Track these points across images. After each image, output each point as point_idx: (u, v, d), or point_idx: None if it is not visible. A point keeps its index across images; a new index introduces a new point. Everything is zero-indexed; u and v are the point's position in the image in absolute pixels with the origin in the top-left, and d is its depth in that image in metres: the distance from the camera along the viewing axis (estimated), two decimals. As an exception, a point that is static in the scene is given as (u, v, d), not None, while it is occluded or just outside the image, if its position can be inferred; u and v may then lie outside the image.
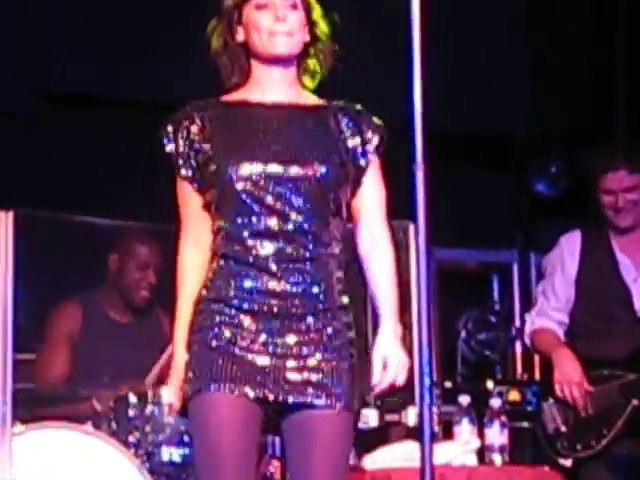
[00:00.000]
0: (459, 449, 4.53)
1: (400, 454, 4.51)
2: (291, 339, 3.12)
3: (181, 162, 3.20)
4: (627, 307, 4.99)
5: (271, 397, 3.05)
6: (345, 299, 3.19)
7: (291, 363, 3.09)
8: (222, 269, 3.15)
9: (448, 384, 5.69)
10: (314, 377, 3.13)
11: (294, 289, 3.09)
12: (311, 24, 3.22)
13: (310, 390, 3.11)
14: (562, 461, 4.92)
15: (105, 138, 5.71)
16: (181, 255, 3.24)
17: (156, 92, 6.08)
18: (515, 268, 6.76)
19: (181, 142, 3.21)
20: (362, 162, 3.23)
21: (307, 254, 3.12)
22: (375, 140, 3.24)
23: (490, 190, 6.62)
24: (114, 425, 4.96)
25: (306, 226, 3.11)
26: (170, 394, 3.33)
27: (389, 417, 4.89)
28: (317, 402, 3.10)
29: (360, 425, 4.73)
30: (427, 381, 2.91)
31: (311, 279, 3.11)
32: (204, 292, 3.14)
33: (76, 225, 5.39)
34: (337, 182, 3.18)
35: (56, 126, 5.92)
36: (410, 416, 4.77)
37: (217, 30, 3.24)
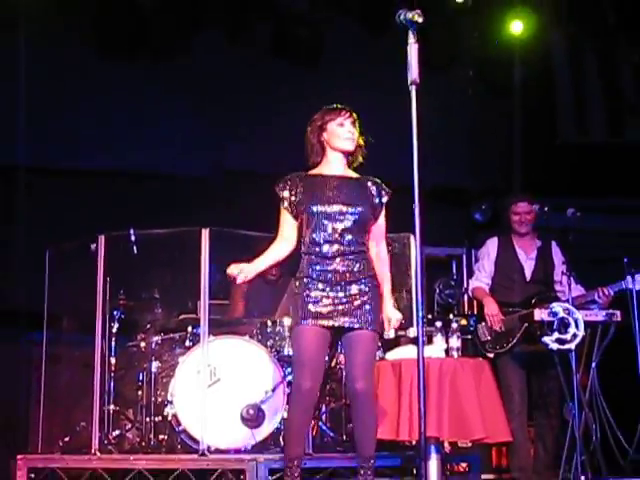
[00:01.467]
0: (436, 350, 6.43)
1: (406, 352, 6.49)
2: (345, 294, 5.13)
3: (286, 200, 5.22)
4: (522, 275, 7.13)
5: (336, 324, 5.07)
6: (372, 272, 5.19)
7: (346, 306, 5.10)
8: (308, 261, 5.19)
9: (429, 316, 7.89)
10: (358, 313, 5.12)
11: (347, 268, 5.14)
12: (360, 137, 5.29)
13: (356, 320, 5.10)
14: (488, 355, 6.97)
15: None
16: (273, 247, 5.24)
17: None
18: (464, 257, 9.00)
19: (289, 190, 5.24)
20: (378, 209, 5.28)
21: (354, 249, 5.15)
22: (385, 198, 5.30)
23: (453, 218, 9.39)
24: (260, 337, 7.31)
25: (354, 238, 5.16)
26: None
27: (400, 332, 6.97)
28: (358, 326, 5.10)
29: (385, 336, 6.51)
30: (420, 314, 4.36)
31: (355, 262, 5.17)
32: (299, 273, 5.20)
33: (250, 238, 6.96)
34: (368, 217, 5.22)
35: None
36: (411, 332, 6.96)
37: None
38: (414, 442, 6.47)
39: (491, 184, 9.48)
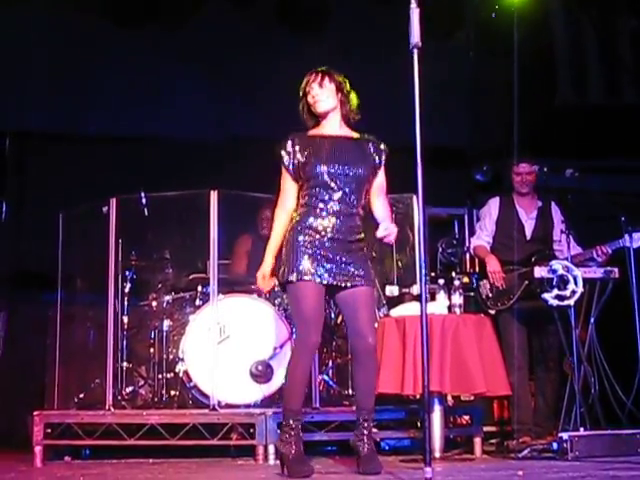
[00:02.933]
0: (438, 307, 6.58)
1: (410, 309, 6.69)
2: (340, 252, 5.21)
3: (289, 161, 5.30)
4: (522, 233, 7.21)
5: (332, 282, 5.17)
6: (362, 235, 5.35)
7: (345, 265, 5.21)
8: (306, 212, 5.24)
9: (432, 274, 7.94)
10: (357, 270, 5.24)
11: (345, 225, 5.23)
12: (340, 92, 5.33)
13: (356, 278, 5.23)
14: (490, 311, 7.07)
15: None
16: (278, 212, 5.34)
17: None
18: (466, 217, 8.99)
19: (293, 150, 5.31)
20: (377, 169, 5.40)
21: (352, 210, 5.26)
22: (383, 156, 5.42)
23: (454, 180, 9.48)
24: (268, 295, 7.34)
25: (352, 197, 5.26)
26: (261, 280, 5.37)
27: (404, 290, 7.22)
28: (359, 283, 5.23)
29: (387, 294, 7.27)
30: (423, 273, 4.66)
31: (353, 218, 5.28)
32: (296, 223, 5.22)
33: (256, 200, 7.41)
34: (366, 177, 5.34)
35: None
36: (414, 289, 7.09)
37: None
38: (418, 396, 6.64)
39: (492, 145, 9.51)
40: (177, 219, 7.59)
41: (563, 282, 6.30)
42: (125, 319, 7.76)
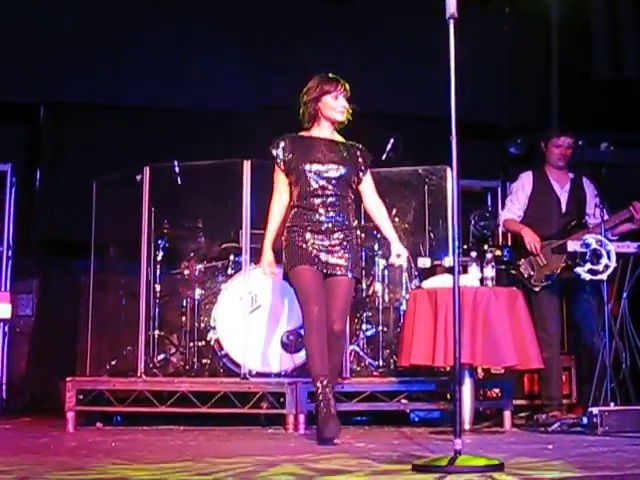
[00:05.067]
0: (471, 279, 6.58)
1: (441, 281, 6.62)
2: (329, 242, 5.75)
3: (280, 160, 5.86)
4: (558, 206, 7.19)
5: (321, 270, 5.70)
6: (355, 222, 5.88)
7: (330, 255, 5.74)
8: (297, 212, 5.80)
9: (465, 247, 7.81)
10: (340, 261, 5.75)
11: (331, 219, 5.77)
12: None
13: (338, 267, 5.74)
14: (535, 289, 7.03)
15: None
16: (273, 204, 5.90)
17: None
18: (499, 190, 9.14)
19: (283, 149, 5.86)
20: (363, 171, 5.95)
21: (338, 203, 5.79)
22: (368, 160, 5.97)
23: (487, 152, 9.52)
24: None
25: (339, 194, 5.79)
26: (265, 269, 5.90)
27: (436, 262, 7.29)
28: (339, 273, 5.74)
29: (419, 265, 7.36)
30: (456, 245, 4.48)
31: (339, 214, 5.79)
32: (291, 223, 5.79)
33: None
34: (351, 176, 5.86)
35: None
36: (446, 261, 7.07)
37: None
38: (448, 368, 6.70)
39: (526, 118, 9.46)
40: (210, 188, 7.59)
41: (596, 256, 6.26)
42: (157, 287, 7.82)
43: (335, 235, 5.79)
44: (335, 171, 5.81)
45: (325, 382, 5.60)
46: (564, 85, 8.86)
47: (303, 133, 5.96)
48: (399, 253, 5.88)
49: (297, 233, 5.79)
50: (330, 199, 5.80)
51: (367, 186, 6.01)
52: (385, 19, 9.13)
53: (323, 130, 5.91)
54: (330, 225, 5.78)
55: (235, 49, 9.51)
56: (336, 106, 5.82)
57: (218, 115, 9.35)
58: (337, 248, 5.78)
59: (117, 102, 9.38)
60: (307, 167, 5.78)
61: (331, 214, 5.79)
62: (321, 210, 5.78)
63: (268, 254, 5.87)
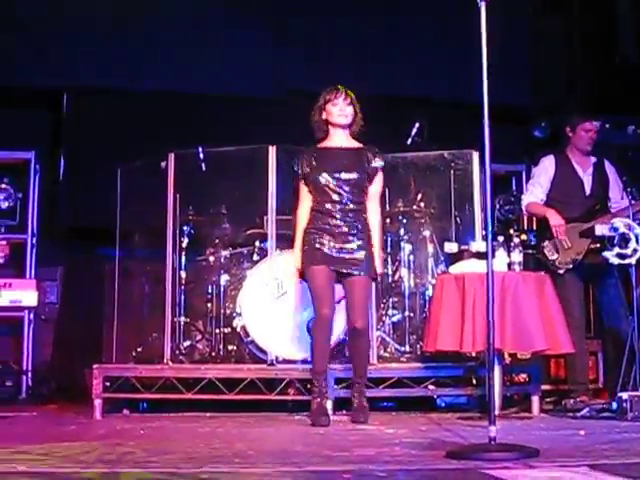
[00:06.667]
0: (498, 264, 6.40)
1: (469, 266, 6.64)
2: (345, 245, 6.12)
3: (300, 173, 6.26)
4: (581, 189, 7.12)
5: (338, 270, 6.09)
6: (368, 229, 6.19)
7: (346, 255, 6.11)
8: (315, 216, 6.18)
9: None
10: (356, 262, 6.10)
11: (346, 222, 6.15)
12: (355, 112, 6.23)
13: (354, 267, 6.10)
14: (559, 271, 6.96)
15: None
16: (298, 212, 6.24)
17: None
18: (524, 174, 8.95)
19: (301, 164, 6.25)
20: (373, 173, 6.23)
21: (352, 207, 6.16)
22: (379, 163, 6.27)
23: (511, 136, 9.28)
24: None
25: (351, 199, 6.16)
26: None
27: (463, 247, 7.10)
28: (356, 272, 6.10)
29: (446, 251, 7.27)
30: (489, 229, 4.55)
31: (353, 218, 6.17)
32: (309, 225, 6.16)
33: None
34: (363, 180, 6.21)
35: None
36: (473, 246, 6.94)
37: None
38: (475, 354, 6.68)
39: (551, 101, 9.45)
40: (235, 174, 7.52)
41: (625, 240, 6.24)
42: (183, 274, 7.81)
43: (350, 238, 6.15)
44: (348, 178, 6.18)
45: (323, 379, 6.15)
46: (589, 68, 8.77)
47: (320, 145, 6.36)
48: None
49: (315, 235, 6.16)
50: (345, 204, 6.18)
51: (372, 190, 6.32)
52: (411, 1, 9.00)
53: (336, 138, 6.32)
54: (346, 229, 6.15)
55: (255, 32, 9.49)
56: (336, 111, 6.22)
57: (240, 100, 9.35)
58: (353, 250, 6.13)
59: (140, 88, 9.40)
60: (322, 177, 6.18)
61: (346, 218, 6.16)
62: (337, 215, 6.16)
63: (297, 261, 6.25)
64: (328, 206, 6.18)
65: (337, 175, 6.19)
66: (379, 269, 6.31)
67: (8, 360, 8.57)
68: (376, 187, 6.33)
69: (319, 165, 6.24)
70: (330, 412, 6.36)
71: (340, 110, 6.23)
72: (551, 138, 9.06)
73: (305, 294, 6.94)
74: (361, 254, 6.14)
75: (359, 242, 6.16)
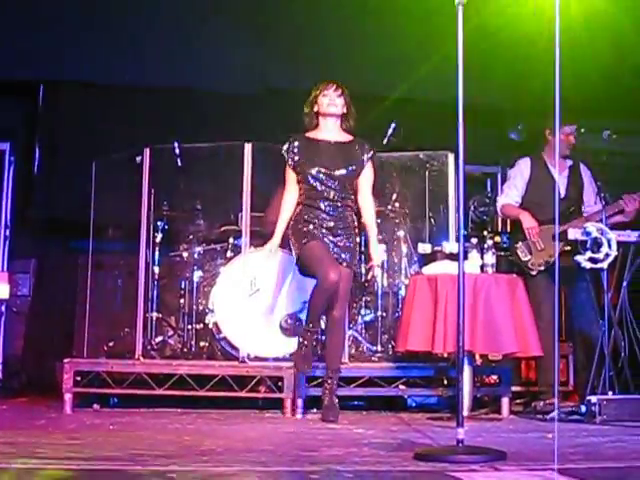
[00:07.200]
0: (471, 265, 6.55)
1: (442, 267, 6.70)
2: (332, 237, 6.19)
3: (289, 159, 6.28)
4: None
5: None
6: (355, 222, 6.31)
7: (333, 247, 6.18)
8: (303, 209, 6.22)
9: (464, 232, 6.89)
10: (342, 254, 6.18)
11: (334, 217, 6.21)
12: (347, 106, 6.32)
13: (341, 258, 6.17)
14: (531, 273, 7.02)
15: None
16: (285, 197, 6.28)
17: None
18: (499, 176, 8.88)
19: (291, 149, 6.28)
20: (363, 166, 6.30)
21: (339, 204, 6.23)
22: (369, 155, 6.32)
23: (488, 137, 9.41)
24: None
25: (339, 193, 6.23)
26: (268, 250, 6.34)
27: (436, 247, 7.14)
28: (343, 264, 6.14)
29: (420, 251, 7.29)
30: (462, 232, 4.52)
31: (340, 212, 6.24)
32: (298, 217, 6.20)
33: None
34: (352, 175, 6.27)
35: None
36: (446, 247, 6.96)
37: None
38: (446, 354, 6.69)
39: (528, 104, 9.32)
40: (210, 170, 7.56)
41: (597, 244, 6.20)
42: (156, 269, 7.82)
43: (337, 231, 6.21)
44: (337, 172, 6.23)
45: (314, 330, 6.24)
46: (565, 71, 8.74)
47: (310, 134, 6.37)
48: (374, 257, 6.35)
49: (303, 225, 6.21)
50: (333, 198, 6.22)
51: (363, 180, 6.36)
52: (389, 1, 8.98)
53: (325, 129, 6.35)
54: (332, 223, 6.20)
55: (237, 31, 9.46)
56: (325, 101, 6.27)
57: (219, 97, 9.31)
58: (339, 243, 6.19)
59: (117, 82, 9.34)
60: (311, 170, 6.21)
61: (334, 213, 6.22)
62: (324, 208, 6.20)
63: (277, 239, 6.32)
64: (316, 201, 6.22)
65: (326, 171, 6.23)
66: (377, 260, 6.43)
67: (-21, 353, 8.48)
68: (367, 179, 6.37)
69: (309, 158, 6.28)
70: (300, 410, 6.47)
71: (330, 100, 6.28)
72: (527, 141, 9.15)
73: (278, 292, 7.13)
74: (347, 248, 6.21)
75: (346, 237, 6.23)
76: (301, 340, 6.24)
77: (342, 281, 6.08)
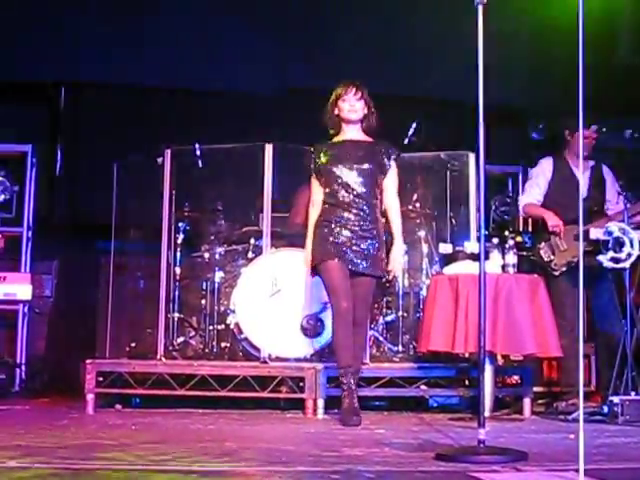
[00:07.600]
0: (492, 265, 6.54)
1: (463, 267, 6.70)
2: (355, 238, 6.12)
3: (313, 166, 6.31)
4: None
5: (350, 267, 6.07)
6: (381, 224, 6.25)
7: (357, 253, 6.12)
8: (326, 209, 6.21)
9: (486, 232, 6.90)
10: (366, 260, 6.12)
11: (357, 215, 6.15)
12: (368, 107, 6.29)
13: (364, 263, 6.12)
14: (554, 273, 6.98)
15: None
16: (311, 214, 6.27)
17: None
18: (520, 175, 8.96)
19: (316, 157, 6.30)
20: (387, 167, 6.30)
21: (364, 202, 6.16)
22: (394, 156, 6.32)
23: (508, 137, 9.43)
24: None
25: (364, 191, 6.18)
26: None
27: (458, 247, 7.05)
28: (366, 270, 6.11)
29: (441, 251, 7.22)
30: (483, 232, 4.48)
31: (364, 211, 6.17)
32: (320, 217, 6.21)
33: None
34: (376, 173, 6.24)
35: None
36: (468, 247, 6.91)
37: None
38: (467, 354, 6.68)
39: (548, 103, 9.34)
40: (231, 171, 7.55)
41: (619, 244, 6.20)
42: (177, 270, 7.83)
43: (361, 234, 6.14)
44: (360, 171, 6.19)
45: (350, 373, 5.97)
46: (588, 70, 8.72)
47: (333, 140, 6.39)
48: (395, 260, 6.29)
49: (326, 228, 6.14)
50: (356, 197, 6.16)
51: (388, 181, 6.33)
52: (410, 1, 9.01)
53: (348, 132, 6.34)
54: (357, 224, 6.13)
55: (256, 31, 9.48)
56: (346, 107, 6.26)
57: (241, 97, 9.34)
58: (362, 244, 6.12)
59: (138, 84, 9.41)
60: (334, 169, 6.18)
61: (358, 211, 6.14)
62: (348, 207, 6.14)
63: (309, 254, 6.25)
64: (340, 197, 6.18)
65: (350, 166, 6.21)
66: (395, 269, 6.39)
67: (2, 353, 8.57)
68: (392, 181, 6.36)
69: (332, 157, 6.26)
70: (321, 411, 6.49)
71: (350, 106, 6.27)
72: (548, 140, 9.04)
73: (299, 292, 7.13)
74: (366, 255, 6.13)
75: (370, 239, 6.16)
76: (345, 389, 6.02)
77: (362, 284, 6.14)
